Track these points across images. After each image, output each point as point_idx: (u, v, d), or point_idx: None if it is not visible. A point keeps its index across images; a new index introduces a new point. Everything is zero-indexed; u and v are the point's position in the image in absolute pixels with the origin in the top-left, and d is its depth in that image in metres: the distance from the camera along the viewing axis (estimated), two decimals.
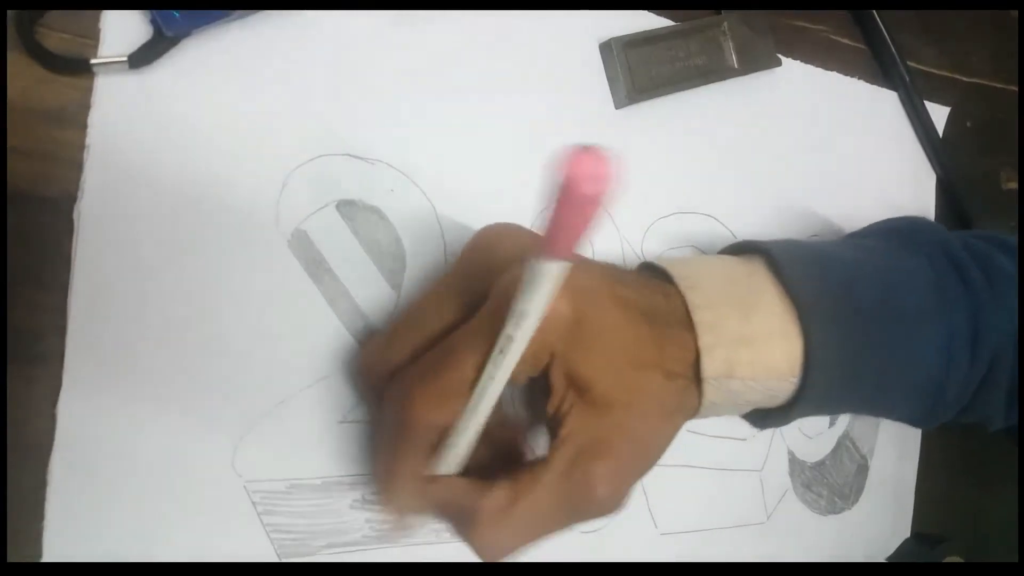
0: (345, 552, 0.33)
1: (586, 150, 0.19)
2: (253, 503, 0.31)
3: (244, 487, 0.31)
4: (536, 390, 0.30)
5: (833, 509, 0.46)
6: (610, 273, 0.30)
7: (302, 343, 0.32)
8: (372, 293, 0.33)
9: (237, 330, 0.31)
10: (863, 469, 0.47)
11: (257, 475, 0.31)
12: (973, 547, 0.48)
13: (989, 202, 0.51)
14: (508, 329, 0.25)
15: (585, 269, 0.29)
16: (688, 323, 0.30)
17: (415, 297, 0.34)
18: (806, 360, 0.30)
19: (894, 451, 0.48)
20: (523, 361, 0.26)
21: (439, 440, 0.28)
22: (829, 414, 0.41)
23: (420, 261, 0.34)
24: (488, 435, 0.28)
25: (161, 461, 0.30)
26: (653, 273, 0.33)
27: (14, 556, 0.27)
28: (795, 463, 0.45)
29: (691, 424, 0.41)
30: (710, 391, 0.30)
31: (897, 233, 0.38)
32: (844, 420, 0.46)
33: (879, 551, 0.48)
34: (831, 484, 0.46)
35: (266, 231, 0.31)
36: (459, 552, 0.35)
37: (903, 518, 0.49)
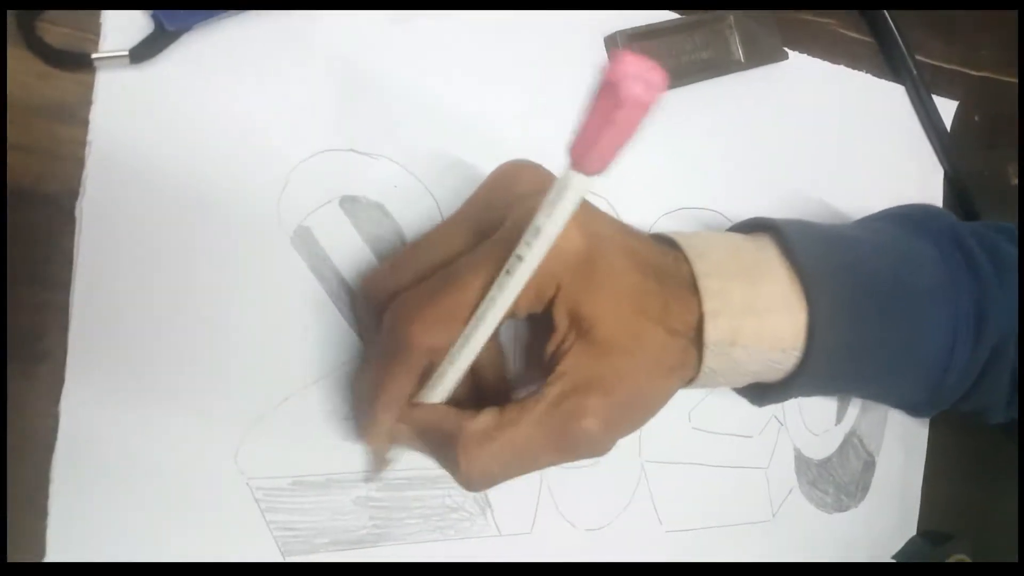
0: (349, 549, 0.33)
1: (641, 56, 0.18)
2: (256, 500, 0.31)
3: (247, 484, 0.31)
4: (533, 336, 0.30)
5: (839, 506, 0.46)
6: (623, 226, 0.30)
7: (305, 340, 0.32)
8: None
9: (240, 327, 0.31)
10: (869, 466, 0.47)
11: (260, 472, 0.31)
12: (979, 545, 0.47)
13: (996, 197, 0.51)
14: (519, 249, 0.24)
15: (599, 216, 0.29)
16: (693, 287, 0.30)
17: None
18: (809, 332, 0.30)
19: (901, 448, 0.48)
20: (527, 289, 0.25)
21: (429, 369, 0.28)
22: (829, 394, 0.41)
23: None
24: (474, 375, 0.28)
25: (164, 458, 0.30)
26: (664, 244, 0.33)
27: (17, 553, 0.27)
28: (801, 460, 0.45)
29: (697, 421, 0.41)
30: (711, 357, 0.30)
31: (906, 218, 0.38)
32: (851, 417, 0.46)
33: (885, 549, 0.48)
34: (837, 481, 0.46)
35: (269, 227, 0.31)
36: (460, 551, 0.35)
37: (909, 516, 0.49)
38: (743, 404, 0.36)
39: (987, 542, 0.49)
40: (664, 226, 0.39)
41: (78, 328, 0.28)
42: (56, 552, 0.28)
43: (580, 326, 0.27)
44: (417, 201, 0.34)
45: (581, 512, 0.38)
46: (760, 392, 0.34)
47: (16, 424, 0.27)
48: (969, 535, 0.48)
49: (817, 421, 0.45)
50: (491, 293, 0.25)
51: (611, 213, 0.38)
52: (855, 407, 0.46)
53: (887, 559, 0.48)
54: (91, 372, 0.28)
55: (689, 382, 0.31)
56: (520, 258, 0.24)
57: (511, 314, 0.26)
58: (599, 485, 0.38)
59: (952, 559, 0.46)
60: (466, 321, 0.26)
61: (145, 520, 0.29)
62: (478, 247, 0.27)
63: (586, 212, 0.28)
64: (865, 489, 0.47)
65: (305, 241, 0.32)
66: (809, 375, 0.31)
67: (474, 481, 0.28)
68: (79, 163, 0.28)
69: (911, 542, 0.48)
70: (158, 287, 0.29)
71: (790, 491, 0.44)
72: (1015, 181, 0.53)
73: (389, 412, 0.28)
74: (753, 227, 0.35)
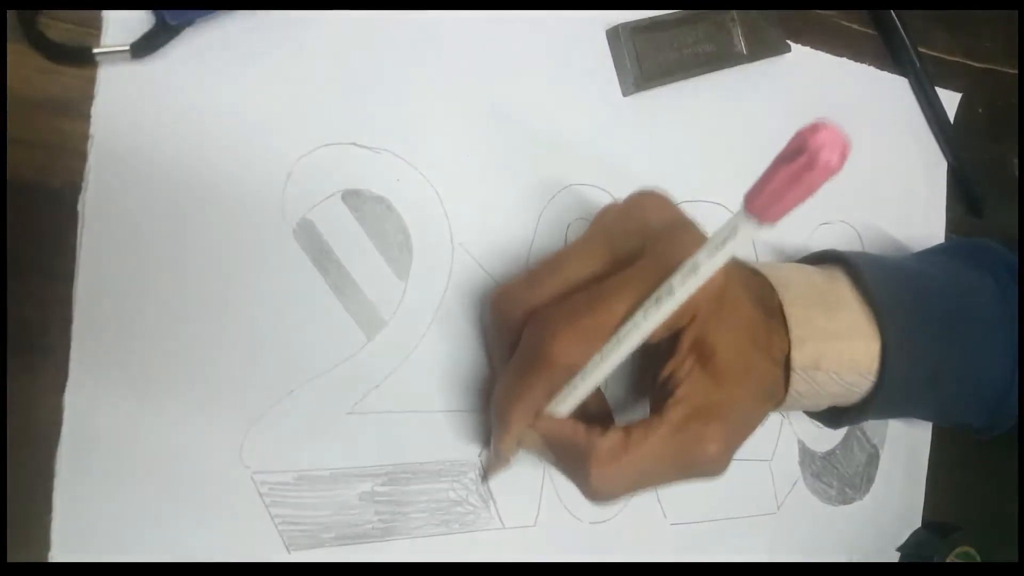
0: (353, 544, 0.33)
1: (836, 127, 0.20)
2: (261, 494, 0.31)
3: (252, 478, 0.31)
4: (645, 356, 0.32)
5: (843, 499, 0.46)
6: (737, 262, 0.32)
7: (309, 334, 0.32)
8: (379, 283, 0.33)
9: (243, 321, 0.31)
10: (874, 459, 0.47)
11: (265, 466, 0.31)
12: (985, 537, 0.47)
13: (1000, 188, 0.51)
14: (674, 280, 0.25)
15: None
16: (782, 316, 0.32)
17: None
18: (883, 358, 0.33)
19: (905, 441, 0.48)
20: (670, 316, 0.27)
21: (565, 379, 0.29)
22: (899, 416, 0.42)
23: (426, 250, 0.34)
24: (581, 405, 0.30)
25: (168, 452, 0.30)
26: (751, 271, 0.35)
27: (22, 547, 0.27)
28: (805, 453, 0.44)
29: None
30: (797, 381, 0.32)
31: (959, 250, 0.41)
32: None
33: (890, 541, 0.48)
34: (841, 474, 0.46)
35: (272, 221, 0.31)
36: (465, 544, 0.35)
37: (914, 508, 0.49)
38: None
39: (993, 534, 0.49)
40: None
41: (81, 322, 0.28)
42: (60, 546, 0.28)
43: (702, 354, 0.29)
44: (420, 195, 0.34)
45: (585, 505, 0.38)
46: (836, 416, 0.36)
47: (20, 418, 0.27)
48: (974, 527, 0.48)
49: None
50: (635, 318, 0.27)
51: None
52: None
53: (892, 551, 0.48)
54: (95, 366, 0.28)
55: (777, 405, 0.33)
56: (672, 290, 0.26)
57: (649, 339, 0.28)
58: None
59: (957, 551, 0.46)
60: (606, 341, 0.27)
61: (149, 514, 0.29)
62: (623, 273, 0.28)
63: None
64: (869, 482, 0.47)
65: (308, 235, 0.32)
66: (883, 398, 0.34)
67: (601, 495, 0.29)
68: (81, 157, 0.28)
69: (916, 534, 0.48)
70: (161, 281, 0.29)
71: (794, 484, 0.44)
72: (1018, 172, 0.53)
73: (523, 420, 0.30)
74: (821, 259, 0.37)
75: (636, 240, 0.29)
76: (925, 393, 0.35)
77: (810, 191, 0.21)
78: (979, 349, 0.36)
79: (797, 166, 0.20)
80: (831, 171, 0.20)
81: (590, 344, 0.28)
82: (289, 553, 0.32)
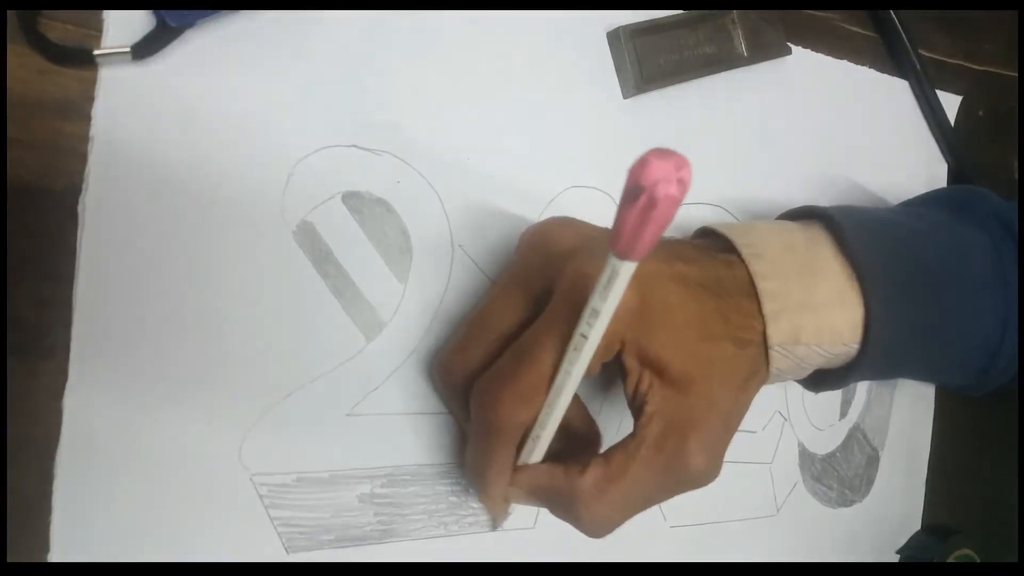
0: (353, 546, 0.33)
1: (666, 154, 0.20)
2: (260, 496, 0.31)
3: (251, 480, 0.31)
4: (608, 373, 0.31)
5: (843, 501, 0.46)
6: (667, 251, 0.31)
7: (308, 335, 0.32)
8: (378, 285, 0.33)
9: (243, 323, 0.31)
10: (873, 461, 0.47)
11: (264, 468, 0.31)
12: (984, 539, 0.47)
13: (1000, 191, 0.51)
14: (581, 328, 0.26)
15: None
16: (751, 291, 0.30)
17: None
18: (866, 326, 0.31)
19: (905, 443, 0.48)
20: (595, 354, 0.26)
21: (523, 434, 0.29)
22: (883, 379, 0.42)
23: (427, 253, 0.34)
24: (562, 426, 0.29)
25: (168, 454, 0.30)
26: (713, 240, 0.33)
27: (21, 550, 0.27)
28: (805, 455, 0.44)
29: None
30: (777, 358, 0.31)
31: (952, 202, 0.39)
32: (855, 412, 0.46)
33: (889, 544, 0.48)
34: (841, 476, 0.46)
35: (272, 223, 0.31)
36: (464, 546, 0.35)
37: (914, 510, 0.49)
38: None
39: (992, 536, 0.49)
40: None
41: (81, 324, 0.28)
42: (60, 548, 0.28)
43: (653, 367, 0.29)
44: (420, 197, 0.34)
45: None
46: (818, 379, 0.35)
47: (19, 420, 0.27)
48: (974, 529, 0.48)
49: (821, 416, 0.45)
50: (563, 367, 0.27)
51: (613, 209, 0.38)
52: (859, 402, 0.46)
53: (892, 554, 0.48)
54: (95, 368, 0.28)
55: (762, 383, 0.32)
56: (584, 337, 0.26)
57: (585, 376, 0.28)
58: None
59: (957, 553, 0.46)
60: (546, 392, 0.28)
61: (149, 516, 0.29)
62: (539, 322, 0.28)
63: None
64: (869, 484, 0.47)
65: (308, 237, 0.32)
66: (866, 365, 0.32)
67: (598, 530, 0.29)
68: (82, 159, 0.28)
69: (915, 537, 0.48)
70: (161, 283, 0.29)
71: (794, 486, 0.44)
72: (1018, 175, 0.53)
73: (500, 482, 0.30)
74: (803, 214, 0.35)
75: (547, 274, 0.29)
76: (911, 355, 0.34)
77: (664, 222, 0.21)
78: (964, 310, 0.34)
79: (641, 205, 0.20)
80: (675, 202, 0.20)
81: (532, 400, 0.28)
82: (288, 555, 0.32)
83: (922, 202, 0.41)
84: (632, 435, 0.29)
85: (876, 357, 0.32)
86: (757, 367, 0.31)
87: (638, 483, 0.28)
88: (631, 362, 0.29)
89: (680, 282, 0.29)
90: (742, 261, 0.31)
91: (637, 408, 0.29)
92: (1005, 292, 0.35)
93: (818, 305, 0.31)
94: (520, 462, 0.30)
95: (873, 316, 0.31)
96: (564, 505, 0.29)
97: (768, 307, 0.30)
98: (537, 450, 0.30)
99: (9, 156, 0.27)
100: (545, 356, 0.27)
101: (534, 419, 0.28)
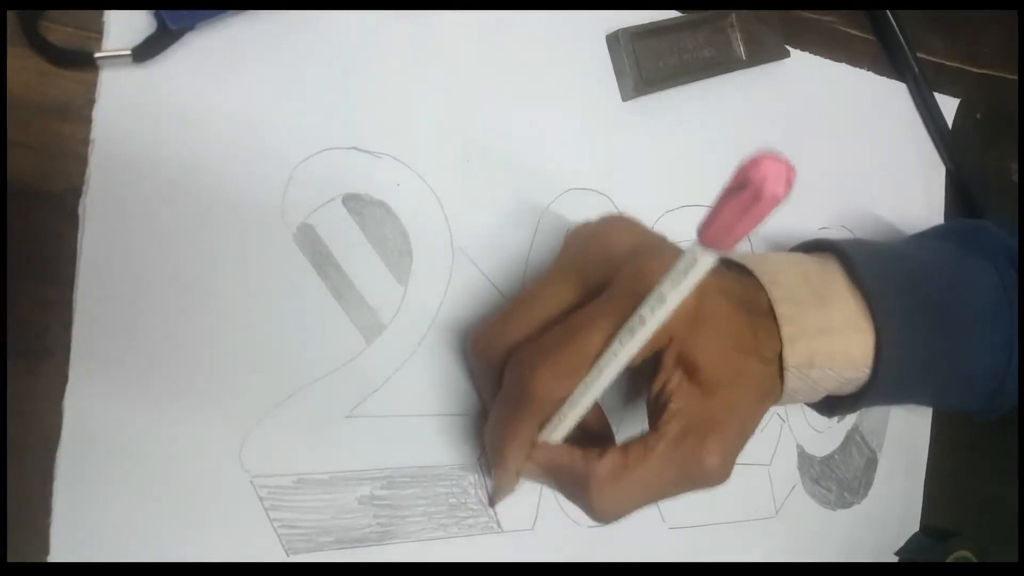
0: (353, 547, 0.33)
1: (776, 156, 0.20)
2: (260, 498, 0.31)
3: (251, 482, 0.31)
4: (635, 385, 0.32)
5: (842, 503, 0.46)
6: (714, 267, 0.32)
7: (309, 337, 0.32)
8: (378, 287, 0.33)
9: (243, 324, 0.31)
10: (872, 463, 0.47)
11: (264, 470, 0.31)
12: (983, 541, 0.47)
13: (999, 194, 0.51)
14: (643, 311, 0.26)
15: None
16: (771, 314, 0.32)
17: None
18: (877, 351, 0.33)
19: (903, 445, 0.48)
20: (647, 342, 0.27)
21: (549, 412, 0.29)
22: (896, 403, 0.43)
23: (426, 255, 0.34)
24: (581, 420, 0.30)
25: (168, 455, 0.30)
26: (727, 267, 0.35)
27: (21, 550, 0.27)
28: (804, 457, 0.45)
29: None
30: (791, 379, 0.32)
31: (960, 235, 0.41)
32: (854, 414, 0.46)
33: (888, 545, 0.48)
34: (840, 478, 0.46)
35: (272, 225, 0.31)
36: (464, 548, 0.35)
37: (912, 512, 0.49)
38: None
39: (990, 538, 0.49)
40: (666, 224, 0.39)
41: (82, 325, 0.28)
42: (60, 549, 0.28)
43: (687, 368, 0.29)
44: (420, 199, 0.34)
45: None
46: (831, 405, 0.36)
47: (20, 421, 0.27)
48: (972, 531, 0.48)
49: (820, 418, 0.45)
50: (612, 348, 0.27)
51: (612, 210, 0.38)
52: None
53: (890, 556, 0.48)
54: (95, 369, 0.28)
55: (775, 402, 0.33)
56: (643, 320, 0.26)
57: (629, 364, 0.28)
58: None
59: (955, 555, 0.46)
60: (586, 372, 0.28)
61: (149, 517, 0.29)
62: (594, 303, 0.29)
63: None
64: (868, 486, 0.47)
65: (308, 239, 0.32)
66: (878, 389, 0.34)
67: (605, 515, 0.30)
68: (82, 161, 0.28)
69: (914, 539, 0.48)
70: (161, 284, 0.29)
71: (793, 488, 0.44)
72: (1016, 178, 0.53)
73: (518, 455, 0.31)
74: (815, 247, 0.37)
75: (604, 267, 0.29)
76: (921, 382, 0.36)
77: (759, 220, 0.21)
78: (975, 339, 0.36)
79: (744, 199, 0.21)
80: (778, 201, 0.21)
81: (571, 377, 0.28)
82: (288, 556, 0.32)
83: (931, 235, 0.43)
84: (652, 430, 0.30)
85: (887, 382, 0.33)
86: (772, 386, 0.32)
87: (652, 474, 0.29)
88: (669, 360, 0.29)
89: (725, 295, 0.31)
90: (761, 286, 0.33)
91: (660, 406, 0.30)
92: (1012, 325, 0.36)
93: (832, 331, 0.32)
94: (540, 440, 0.31)
95: (884, 342, 0.32)
96: (577, 487, 0.30)
97: (785, 330, 0.32)
98: (560, 429, 0.30)
99: (10, 158, 0.27)
100: (594, 337, 0.28)
101: (565, 399, 0.29)
